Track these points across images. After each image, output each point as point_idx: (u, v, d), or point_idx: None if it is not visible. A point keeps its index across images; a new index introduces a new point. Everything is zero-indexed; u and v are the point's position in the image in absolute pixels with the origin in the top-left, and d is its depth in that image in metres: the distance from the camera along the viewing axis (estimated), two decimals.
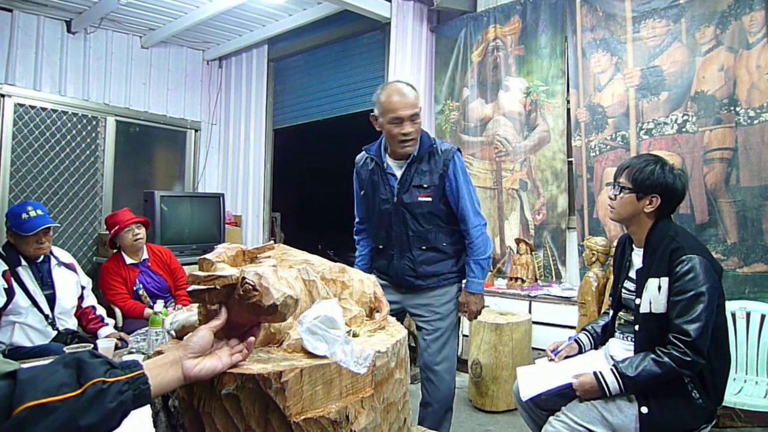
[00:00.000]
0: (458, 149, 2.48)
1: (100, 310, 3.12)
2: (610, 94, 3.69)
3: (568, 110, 3.96)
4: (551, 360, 2.15)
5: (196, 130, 6.14)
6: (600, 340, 2.18)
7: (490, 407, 3.35)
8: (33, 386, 0.81)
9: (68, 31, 5.06)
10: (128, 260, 3.52)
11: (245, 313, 1.02)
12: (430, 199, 2.39)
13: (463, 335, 4.01)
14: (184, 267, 3.87)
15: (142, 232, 3.53)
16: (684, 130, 3.37)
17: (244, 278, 1.01)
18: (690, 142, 3.34)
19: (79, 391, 0.83)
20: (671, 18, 3.43)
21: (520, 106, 4.21)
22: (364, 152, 2.62)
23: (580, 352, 2.15)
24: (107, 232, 3.60)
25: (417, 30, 4.71)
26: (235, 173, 6.06)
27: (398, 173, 2.44)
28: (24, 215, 2.79)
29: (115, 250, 3.58)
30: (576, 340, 2.17)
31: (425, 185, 2.39)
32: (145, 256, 3.59)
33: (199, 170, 6.18)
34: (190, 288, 1.04)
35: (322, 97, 5.50)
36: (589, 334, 2.19)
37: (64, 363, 0.88)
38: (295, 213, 7.59)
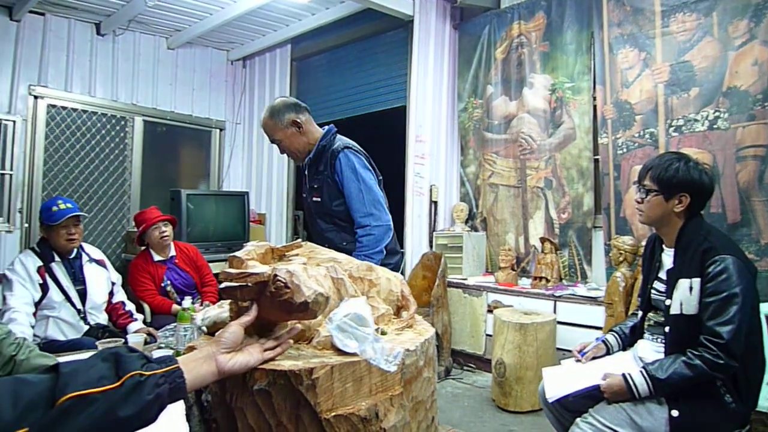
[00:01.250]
0: (347, 147, 2.43)
1: (130, 306, 3.19)
2: (638, 91, 3.63)
3: (595, 107, 3.90)
4: (578, 361, 2.12)
5: (220, 130, 6.22)
6: (628, 341, 2.14)
7: (514, 407, 3.32)
8: (74, 378, 0.83)
9: (98, 33, 5.16)
10: (156, 257, 3.58)
11: (276, 310, 1.04)
12: (319, 199, 2.43)
13: (486, 334, 4.00)
14: (210, 264, 3.92)
15: (168, 229, 3.59)
16: (715, 126, 3.29)
17: (275, 276, 1.02)
18: (722, 139, 3.26)
19: (117, 384, 0.86)
20: (702, 11, 3.35)
21: (545, 103, 4.17)
22: None
23: (608, 353, 2.12)
24: (135, 229, 3.67)
25: (440, 27, 4.70)
26: (259, 172, 6.11)
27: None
28: (54, 208, 2.88)
29: (143, 247, 3.65)
30: (603, 341, 2.14)
31: (316, 186, 2.44)
32: (173, 253, 3.65)
33: (223, 169, 6.25)
34: (223, 285, 1.05)
35: (344, 96, 5.51)
36: (617, 335, 2.15)
37: (102, 357, 0.90)
38: None
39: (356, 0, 4.44)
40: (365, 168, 2.43)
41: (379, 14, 4.63)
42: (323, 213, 2.45)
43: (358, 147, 2.52)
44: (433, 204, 4.60)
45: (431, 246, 4.55)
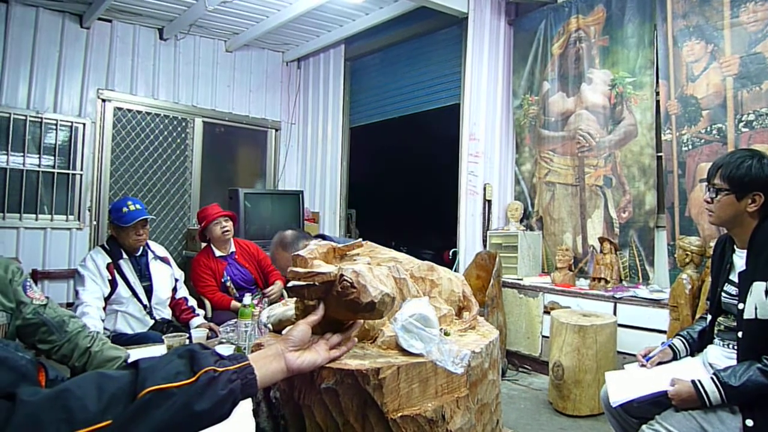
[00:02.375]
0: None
1: (192, 301, 3.30)
2: (705, 85, 3.47)
3: (657, 102, 3.76)
4: (642, 366, 2.05)
5: (276, 130, 6.35)
6: (696, 346, 2.05)
7: (572, 411, 3.25)
8: (153, 374, 0.87)
9: (160, 38, 5.37)
10: (217, 253, 3.71)
11: (342, 309, 1.05)
12: None
13: (543, 336, 3.92)
14: None
15: (229, 225, 3.72)
16: None
17: (341, 275, 1.03)
18: None
19: (193, 379, 0.89)
20: None
21: (605, 99, 4.04)
22: None
23: (675, 358, 2.04)
24: (196, 226, 3.80)
25: (495, 24, 4.63)
26: (313, 171, 6.22)
27: None
28: (124, 209, 3.00)
29: (204, 244, 3.78)
30: (670, 346, 2.06)
31: None
32: (233, 249, 3.77)
33: (279, 168, 6.39)
34: (290, 284, 1.07)
35: (398, 95, 5.52)
36: (684, 340, 2.07)
37: (178, 354, 0.94)
38: (368, 209, 7.66)
39: None
40: None
41: (433, 12, 4.60)
42: None
43: None
44: (487, 203, 4.55)
45: (485, 245, 4.50)
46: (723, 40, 3.39)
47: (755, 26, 3.25)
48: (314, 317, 1.07)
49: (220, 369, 0.92)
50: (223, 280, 3.65)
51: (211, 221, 3.66)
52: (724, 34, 3.38)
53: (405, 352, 1.08)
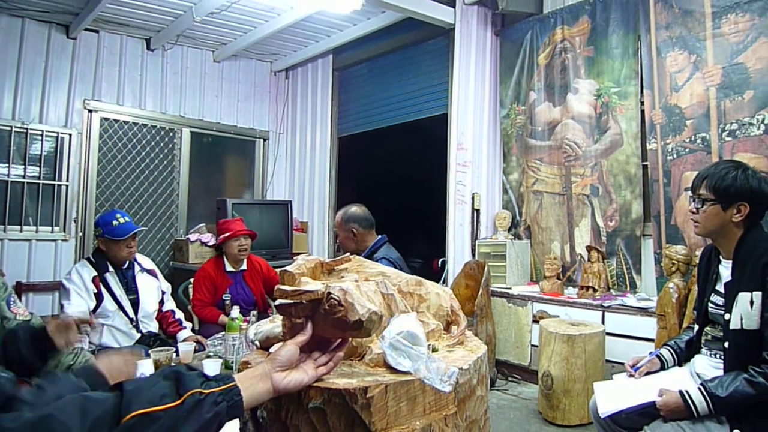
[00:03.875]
0: (384, 258, 2.91)
1: (179, 314, 3.27)
2: (689, 94, 3.51)
3: (642, 112, 3.80)
4: (631, 376, 2.06)
5: (264, 140, 6.34)
6: (684, 356, 2.07)
7: (562, 421, 3.25)
8: (138, 396, 0.86)
9: (148, 48, 5.35)
10: (228, 267, 3.66)
11: (330, 327, 1.05)
12: None
13: (532, 345, 3.93)
14: None
15: (248, 243, 3.66)
16: None
17: (329, 293, 1.03)
18: None
19: (179, 402, 0.88)
20: (756, 12, 3.22)
21: (591, 108, 4.08)
22: None
23: (663, 368, 2.05)
24: (183, 237, 3.74)
25: (481, 34, 4.66)
26: (302, 181, 6.20)
27: None
28: (114, 222, 2.98)
29: (217, 254, 3.74)
30: (658, 356, 2.07)
31: None
32: (245, 267, 3.71)
33: (267, 178, 6.37)
34: (278, 302, 1.07)
35: (386, 105, 5.53)
36: (672, 350, 2.08)
37: (164, 375, 0.93)
38: None
39: (397, 10, 4.45)
40: None
41: (421, 23, 4.64)
42: None
43: (396, 256, 3.05)
44: (476, 212, 4.56)
45: (474, 254, 4.51)
46: (705, 51, 3.44)
47: (737, 37, 3.31)
48: (302, 337, 1.06)
49: (206, 391, 0.91)
50: (223, 297, 3.52)
51: (233, 237, 3.59)
52: (707, 45, 3.43)
53: (393, 370, 1.08)
